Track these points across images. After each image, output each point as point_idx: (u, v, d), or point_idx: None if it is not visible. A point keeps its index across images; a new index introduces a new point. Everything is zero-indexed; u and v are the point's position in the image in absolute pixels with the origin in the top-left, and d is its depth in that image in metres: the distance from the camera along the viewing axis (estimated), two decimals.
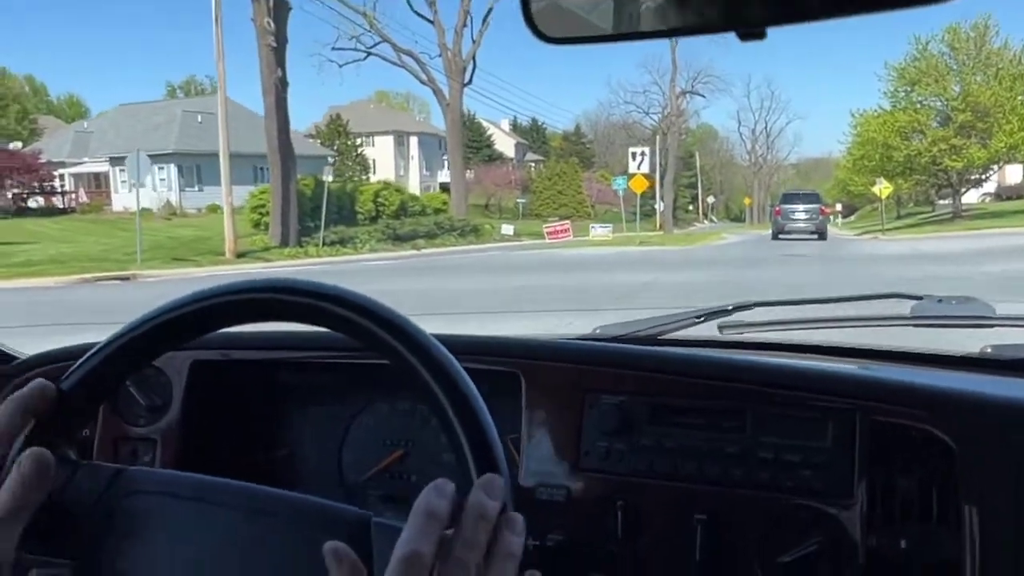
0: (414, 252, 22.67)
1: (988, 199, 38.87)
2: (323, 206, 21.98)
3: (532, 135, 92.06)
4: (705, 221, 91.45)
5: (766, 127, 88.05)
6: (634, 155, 24.22)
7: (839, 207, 68.66)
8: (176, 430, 1.16)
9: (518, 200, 65.64)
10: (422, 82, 35.85)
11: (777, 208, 23.51)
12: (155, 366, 1.13)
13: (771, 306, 1.38)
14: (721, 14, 0.59)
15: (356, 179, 42.01)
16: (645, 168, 23.50)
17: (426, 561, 0.51)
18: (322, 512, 0.66)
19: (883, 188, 30.00)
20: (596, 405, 1.00)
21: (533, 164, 71.37)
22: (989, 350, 1.20)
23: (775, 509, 0.90)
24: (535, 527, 0.94)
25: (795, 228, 22.27)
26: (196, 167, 39.99)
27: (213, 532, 0.65)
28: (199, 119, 41.54)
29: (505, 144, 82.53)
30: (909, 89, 33.38)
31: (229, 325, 0.66)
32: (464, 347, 0.92)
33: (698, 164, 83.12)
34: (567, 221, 24.14)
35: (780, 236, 21.82)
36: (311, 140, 52.73)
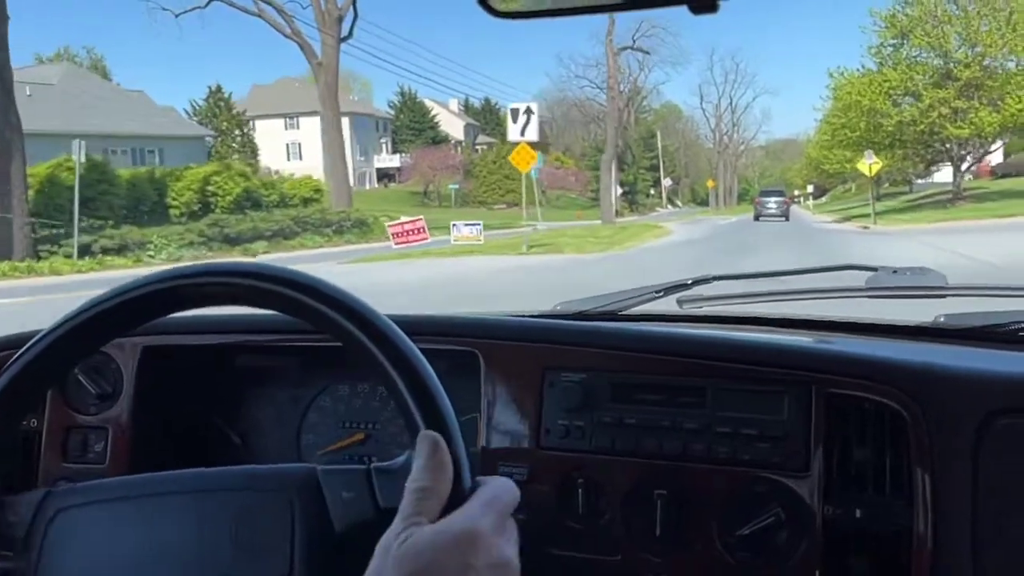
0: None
1: (969, 178, 35.56)
2: (75, 199, 16.61)
3: (485, 116, 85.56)
4: (668, 206, 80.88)
5: (731, 103, 77.50)
6: (514, 114, 18.05)
7: (810, 188, 67.59)
8: (128, 418, 1.15)
9: (451, 186, 55.74)
10: (286, 36, 25.53)
11: (757, 200, 34.17)
12: (104, 352, 1.12)
13: (729, 280, 1.40)
14: None
15: (242, 164, 31.28)
16: (532, 134, 17.46)
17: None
18: (268, 476, 0.67)
19: (872, 164, 20.08)
20: (556, 383, 1.02)
21: (484, 147, 59.78)
22: (942, 319, 1.23)
23: (734, 482, 0.93)
24: None
25: (769, 213, 31.36)
26: None
27: (161, 523, 0.65)
28: None
29: (453, 126, 71.87)
30: (899, 42, 23.72)
31: (182, 309, 0.67)
32: (421, 327, 0.95)
33: (659, 144, 73.12)
34: (421, 219, 13.25)
35: (759, 219, 31.10)
36: (193, 120, 41.60)
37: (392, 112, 74.16)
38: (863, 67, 27.72)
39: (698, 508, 0.95)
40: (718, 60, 79.48)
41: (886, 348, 1.07)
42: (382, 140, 70.02)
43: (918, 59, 25.85)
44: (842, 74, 28.10)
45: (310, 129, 64.41)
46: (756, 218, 30.60)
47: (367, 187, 69.49)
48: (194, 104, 50.57)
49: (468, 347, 1.06)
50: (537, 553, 0.95)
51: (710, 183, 56.54)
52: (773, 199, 32.46)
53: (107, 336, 0.68)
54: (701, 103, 77.95)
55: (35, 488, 0.68)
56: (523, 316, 1.20)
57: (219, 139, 43.15)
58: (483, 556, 0.56)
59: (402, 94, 75.72)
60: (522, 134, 15.66)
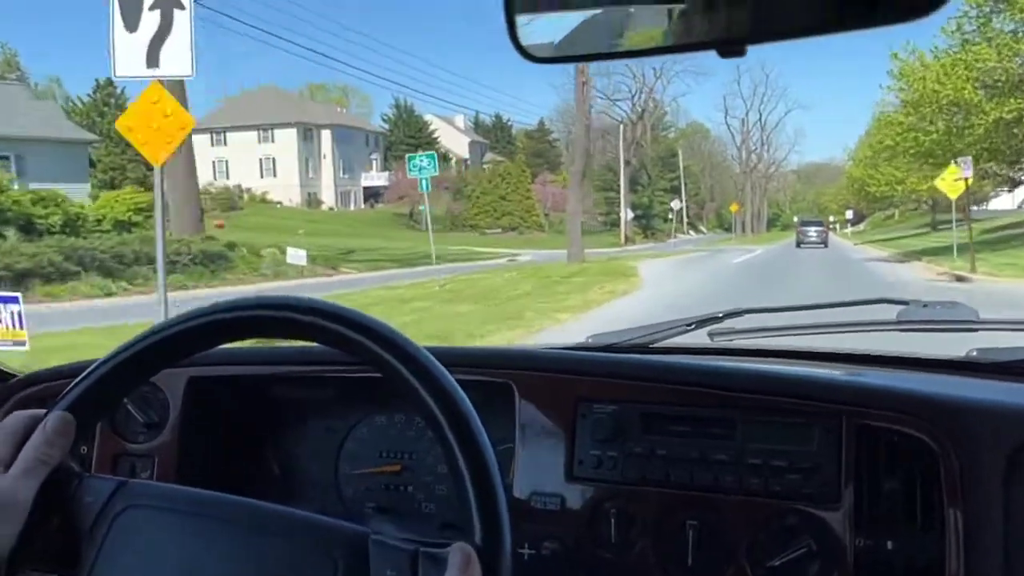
0: None
1: None
2: None
3: (496, 134, 79.89)
4: (690, 232, 70.54)
5: (760, 118, 67.75)
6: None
7: (849, 214, 62.95)
8: (173, 446, 1.23)
9: (421, 207, 46.19)
10: None
11: (799, 229, 37.49)
12: (152, 383, 1.21)
13: (761, 313, 1.44)
14: (701, 32, 0.61)
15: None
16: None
17: None
18: (320, 528, 0.68)
19: (960, 180, 8.58)
20: (588, 414, 1.07)
21: (491, 166, 63.85)
22: (975, 354, 1.26)
23: (765, 513, 0.98)
24: (529, 535, 1.04)
25: (810, 241, 35.41)
26: None
27: (211, 546, 0.67)
28: None
29: (457, 142, 62.28)
30: (998, 6, 12.92)
31: (225, 342, 0.72)
32: (457, 359, 1.00)
33: (680, 164, 63.02)
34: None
35: (800, 246, 34.45)
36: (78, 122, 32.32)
37: (387, 127, 64.85)
38: (936, 49, 18.50)
39: (729, 539, 0.99)
40: (746, 70, 71.49)
41: (917, 381, 1.12)
42: (373, 156, 61.18)
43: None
44: (912, 53, 18.92)
45: (284, 141, 54.96)
46: (798, 245, 35.10)
47: (351, 207, 60.54)
48: (74, 102, 41.42)
49: (503, 378, 1.12)
50: None
51: (733, 207, 47.93)
52: (813, 228, 37.10)
53: (160, 366, 0.73)
54: (725, 117, 70.36)
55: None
56: (556, 348, 1.26)
57: (106, 144, 34.34)
58: None
59: (397, 107, 66.40)
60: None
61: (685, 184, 75.49)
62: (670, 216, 69.54)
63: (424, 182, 15.10)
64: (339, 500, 1.26)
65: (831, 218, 71.27)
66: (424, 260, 20.86)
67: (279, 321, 0.69)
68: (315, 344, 0.68)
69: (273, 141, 55.64)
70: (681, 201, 34.89)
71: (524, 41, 0.67)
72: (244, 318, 0.70)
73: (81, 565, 0.68)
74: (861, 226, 68.13)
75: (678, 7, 0.63)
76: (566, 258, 20.73)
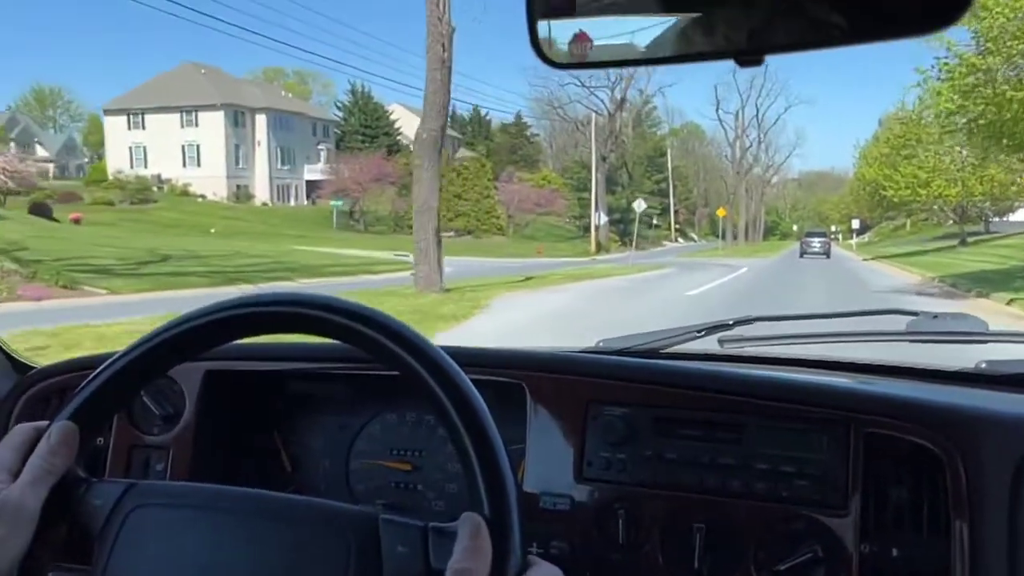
0: None
1: None
2: None
3: (473, 128, 71.96)
4: (679, 240, 61.59)
5: (758, 113, 59.49)
6: None
7: (855, 223, 56.45)
8: (188, 438, 1.28)
9: (333, 203, 37.15)
10: None
11: (803, 240, 40.72)
12: (169, 376, 1.27)
13: (771, 321, 1.48)
14: (719, 41, 0.63)
15: None
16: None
17: None
18: (331, 512, 0.71)
19: None
20: (599, 416, 1.12)
21: (463, 162, 57.35)
22: (984, 365, 1.31)
23: (772, 518, 1.03)
24: (539, 535, 1.10)
25: (813, 251, 37.45)
26: None
27: (224, 538, 0.70)
28: None
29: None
30: None
31: (243, 337, 0.75)
32: (471, 359, 1.06)
33: (669, 165, 53.89)
34: None
35: (804, 256, 36.55)
36: None
37: (342, 115, 56.38)
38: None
39: (736, 542, 1.04)
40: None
41: (925, 391, 1.16)
42: (321, 147, 52.33)
43: None
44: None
45: (210, 126, 46.15)
46: (801, 255, 37.09)
47: (291, 202, 51.70)
48: None
49: (515, 379, 1.16)
50: None
51: (721, 211, 40.32)
52: (817, 239, 39.21)
53: (177, 359, 0.76)
54: (717, 110, 62.32)
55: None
56: (568, 351, 1.31)
57: None
58: None
59: (354, 93, 58.04)
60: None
61: (674, 187, 67.39)
62: (656, 221, 61.27)
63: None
64: (350, 496, 1.32)
65: (833, 228, 68.66)
66: (287, 271, 18.84)
67: (290, 317, 0.71)
68: (330, 340, 0.71)
69: (197, 125, 47.51)
70: (640, 200, 27.72)
71: (544, 47, 0.69)
72: (256, 314, 0.72)
73: (94, 566, 0.70)
74: (866, 237, 65.00)
75: (696, 15, 0.64)
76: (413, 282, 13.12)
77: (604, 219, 44.70)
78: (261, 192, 51.92)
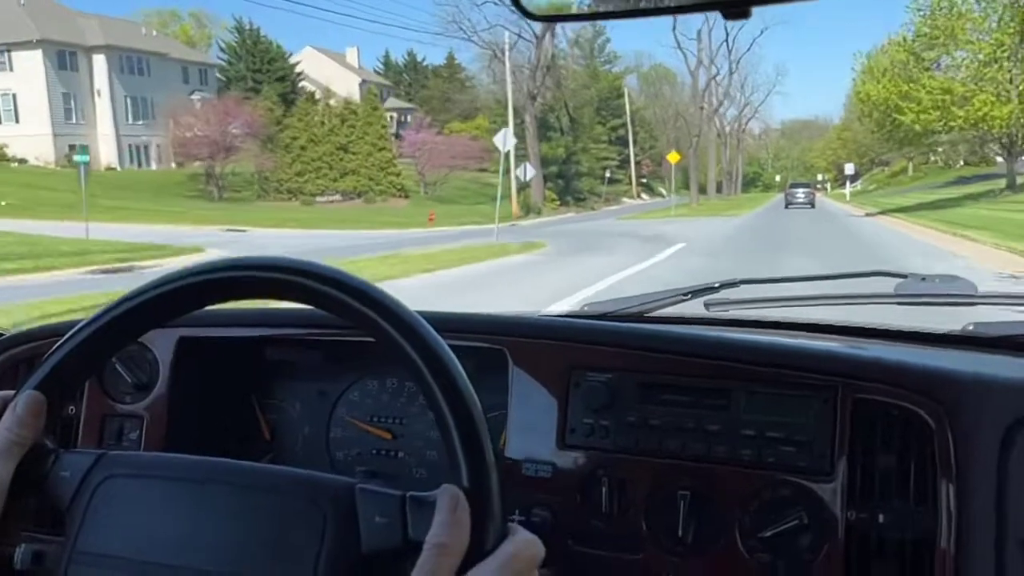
0: None
1: None
2: None
3: (409, 75, 59.70)
4: (642, 196, 63.19)
5: (727, 37, 46.96)
6: None
7: (850, 169, 47.68)
8: (163, 407, 1.30)
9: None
10: None
11: (787, 191, 42.85)
12: (141, 343, 1.28)
13: (757, 283, 1.51)
14: None
15: None
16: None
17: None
18: (306, 482, 0.73)
19: None
20: (582, 382, 1.17)
21: (396, 114, 50.58)
22: (971, 328, 1.35)
23: (758, 485, 1.08)
24: (520, 503, 1.15)
25: (797, 202, 39.65)
26: None
27: (198, 507, 0.72)
28: None
29: (343, 82, 35.67)
30: None
31: (218, 302, 0.76)
32: (450, 324, 1.12)
33: (628, 108, 39.91)
34: None
35: (789, 206, 39.15)
36: None
37: (226, 58, 44.77)
38: None
39: (721, 509, 1.09)
40: None
41: (914, 355, 1.21)
42: (196, 96, 40.15)
43: None
44: None
45: (31, 71, 33.74)
46: (786, 206, 39.85)
47: (152, 165, 39.72)
48: None
49: (496, 344, 1.19)
50: (559, 549, 1.11)
51: (673, 156, 29.20)
52: (801, 190, 41.34)
53: (147, 326, 0.78)
54: (674, 29, 51.35)
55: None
56: (551, 316, 1.36)
57: None
58: None
59: (239, 31, 45.74)
60: None
61: (635, 134, 55.40)
62: (610, 174, 50.02)
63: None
64: (330, 464, 1.36)
65: (819, 176, 64.98)
66: None
67: (266, 282, 0.71)
68: (307, 306, 0.73)
69: (11, 69, 35.82)
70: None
71: None
72: (228, 279, 0.72)
73: (66, 537, 0.73)
74: (857, 185, 57.33)
75: None
76: None
77: (532, 172, 34.23)
78: (107, 154, 41.02)
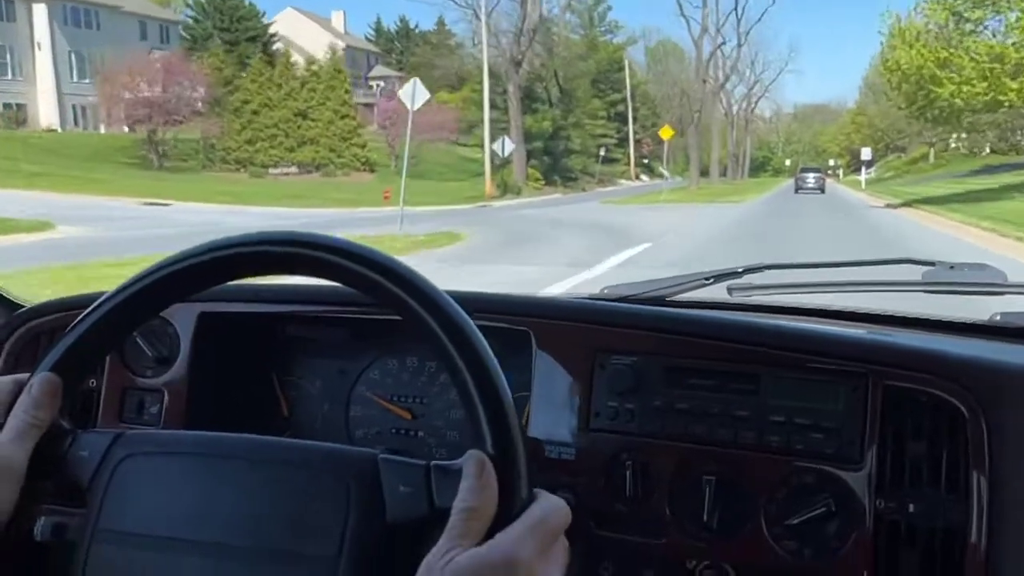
0: None
1: None
2: None
3: (401, 43, 55.01)
4: (642, 177, 58.90)
5: (736, 6, 41.73)
6: None
7: (867, 154, 44.40)
8: (183, 382, 1.31)
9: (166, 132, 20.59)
10: None
11: (797, 176, 43.52)
12: (162, 317, 1.29)
13: (781, 269, 1.50)
14: None
15: None
16: None
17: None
18: (328, 454, 0.75)
19: None
20: (607, 365, 1.17)
21: (380, 83, 44.84)
22: (999, 317, 1.35)
23: (784, 471, 1.08)
24: (543, 485, 1.15)
25: (807, 187, 40.11)
26: None
27: (220, 482, 0.73)
28: None
29: (326, 48, 29.33)
30: None
31: (240, 277, 0.76)
32: (476, 304, 1.11)
33: (628, 83, 34.46)
34: None
35: (799, 191, 40.23)
36: None
37: (193, 15, 39.75)
38: None
39: (747, 495, 1.09)
40: None
41: (945, 343, 1.23)
42: (157, 55, 34.68)
43: None
44: None
45: None
46: (796, 190, 40.67)
47: (101, 128, 34.11)
48: None
49: (521, 326, 1.20)
50: (582, 533, 1.11)
51: (665, 131, 24.89)
52: (812, 175, 41.63)
53: (170, 300, 0.78)
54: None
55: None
56: (576, 298, 1.35)
57: None
58: None
59: None
60: None
61: (635, 110, 51.23)
62: (604, 153, 45.95)
63: None
64: (349, 442, 1.38)
65: (831, 162, 63.17)
66: None
67: (288, 258, 0.70)
68: (327, 282, 0.73)
69: None
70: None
71: None
72: (247, 254, 0.71)
73: (88, 514, 0.74)
74: (872, 171, 53.28)
75: None
76: None
77: (511, 147, 30.31)
78: (48, 114, 37.13)
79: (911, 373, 1.02)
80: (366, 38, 62.82)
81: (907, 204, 23.49)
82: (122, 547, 0.70)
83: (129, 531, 0.70)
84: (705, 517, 1.07)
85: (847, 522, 1.02)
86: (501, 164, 37.80)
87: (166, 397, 1.30)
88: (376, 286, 0.67)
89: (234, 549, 0.68)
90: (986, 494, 0.96)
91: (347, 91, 37.23)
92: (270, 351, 1.42)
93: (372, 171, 38.26)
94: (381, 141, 40.94)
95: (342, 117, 36.71)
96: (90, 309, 0.73)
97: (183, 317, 1.30)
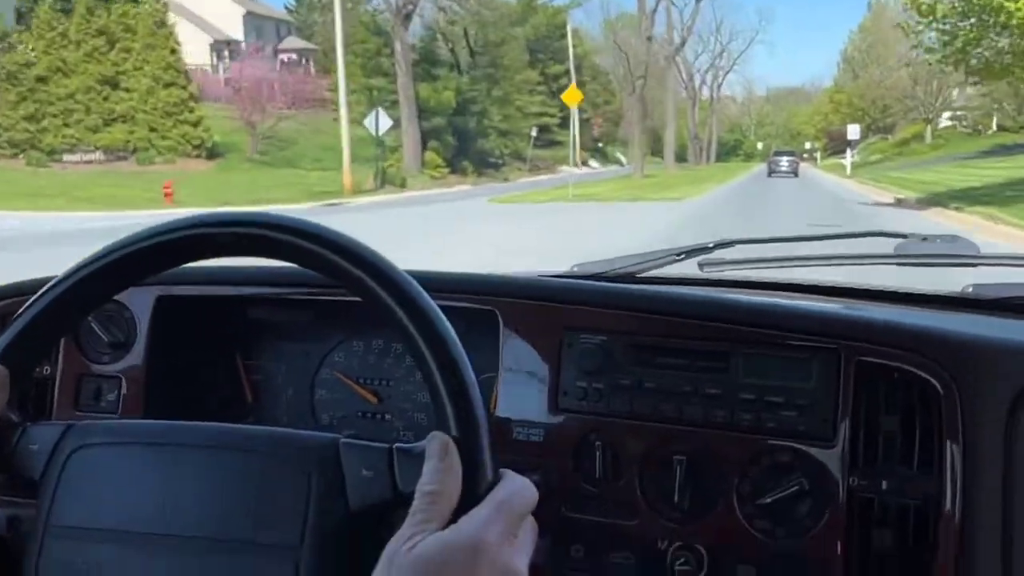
0: None
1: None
2: None
3: (325, 13, 43.06)
4: (590, 163, 51.22)
5: None
6: None
7: (854, 132, 38.98)
8: (141, 368, 1.34)
9: None
10: None
11: (770, 160, 45.07)
12: (118, 301, 1.30)
13: (752, 243, 1.51)
14: None
15: None
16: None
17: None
18: (289, 440, 0.75)
19: None
20: (575, 344, 1.20)
21: (292, 56, 40.04)
22: (971, 289, 1.39)
23: (756, 450, 1.11)
24: (511, 467, 1.20)
25: (781, 170, 41.78)
26: None
27: (178, 471, 0.74)
28: None
29: (222, 16, 15.20)
30: None
31: (194, 260, 0.77)
32: (440, 284, 1.17)
33: (570, 52, 21.68)
34: None
35: (772, 175, 43.50)
36: None
37: None
38: None
39: (718, 475, 1.12)
40: None
41: (917, 316, 1.27)
42: None
43: None
44: None
45: None
46: (769, 174, 42.21)
47: None
48: None
49: (487, 305, 1.22)
50: (552, 515, 1.14)
51: (570, 95, 15.46)
52: (785, 158, 41.56)
53: (123, 284, 0.78)
54: None
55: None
56: (543, 276, 1.38)
57: None
58: (487, 568, 0.61)
59: None
60: None
61: (581, 84, 41.88)
62: (533, 134, 37.49)
63: None
64: (315, 427, 1.41)
65: (808, 144, 58.24)
66: None
67: (249, 239, 0.70)
68: (288, 264, 0.75)
69: None
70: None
71: None
72: (204, 235, 0.71)
73: (39, 508, 0.74)
74: (854, 153, 45.25)
75: None
76: None
77: (388, 123, 22.28)
78: None
79: (884, 348, 1.03)
80: (285, 8, 55.10)
81: (933, 202, 16.28)
82: (75, 541, 0.69)
83: (82, 525, 0.69)
84: (676, 497, 1.07)
85: (820, 500, 1.03)
86: (383, 146, 29.78)
87: (124, 384, 1.29)
88: (333, 266, 0.66)
89: (191, 541, 0.67)
90: (960, 468, 0.97)
91: (173, 51, 27.79)
92: (232, 335, 1.41)
93: (212, 157, 28.80)
94: (236, 117, 32.02)
95: (166, 86, 27.01)
96: (41, 292, 0.71)
97: (139, 301, 1.28)
